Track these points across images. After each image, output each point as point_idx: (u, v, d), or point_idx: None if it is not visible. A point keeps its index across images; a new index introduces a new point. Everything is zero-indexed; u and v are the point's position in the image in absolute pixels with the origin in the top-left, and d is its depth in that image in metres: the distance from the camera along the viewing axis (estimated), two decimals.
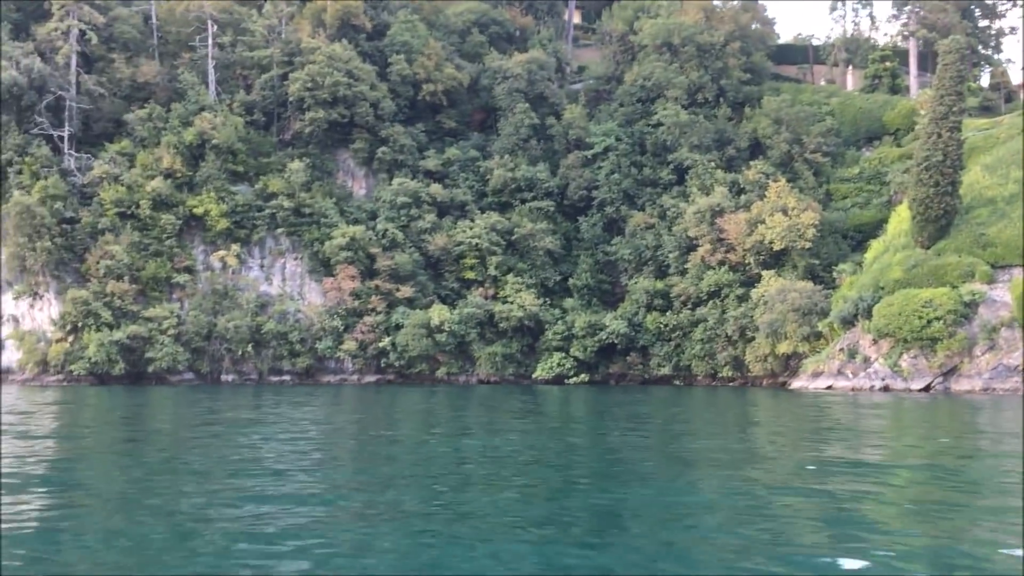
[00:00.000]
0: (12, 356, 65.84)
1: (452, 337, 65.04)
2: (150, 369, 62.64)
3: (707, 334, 62.19)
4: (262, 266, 68.44)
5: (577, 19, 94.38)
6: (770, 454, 18.88)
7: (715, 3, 79.51)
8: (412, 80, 73.28)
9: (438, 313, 65.00)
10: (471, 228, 68.17)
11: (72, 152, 67.17)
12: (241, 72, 73.44)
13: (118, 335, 61.32)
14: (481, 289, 67.82)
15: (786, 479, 14.52)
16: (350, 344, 65.37)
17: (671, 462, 17.30)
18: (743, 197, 64.35)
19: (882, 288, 52.46)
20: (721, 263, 62.82)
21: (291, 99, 69.75)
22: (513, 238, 68.25)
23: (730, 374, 61.96)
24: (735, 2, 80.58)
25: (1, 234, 66.31)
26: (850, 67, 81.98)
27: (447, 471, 15.43)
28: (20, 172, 65.23)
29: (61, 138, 67.12)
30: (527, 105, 71.89)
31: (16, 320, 66.36)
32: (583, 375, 65.86)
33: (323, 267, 67.29)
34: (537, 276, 68.26)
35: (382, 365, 66.74)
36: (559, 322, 66.61)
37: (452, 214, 70.36)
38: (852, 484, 13.62)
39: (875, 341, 51.63)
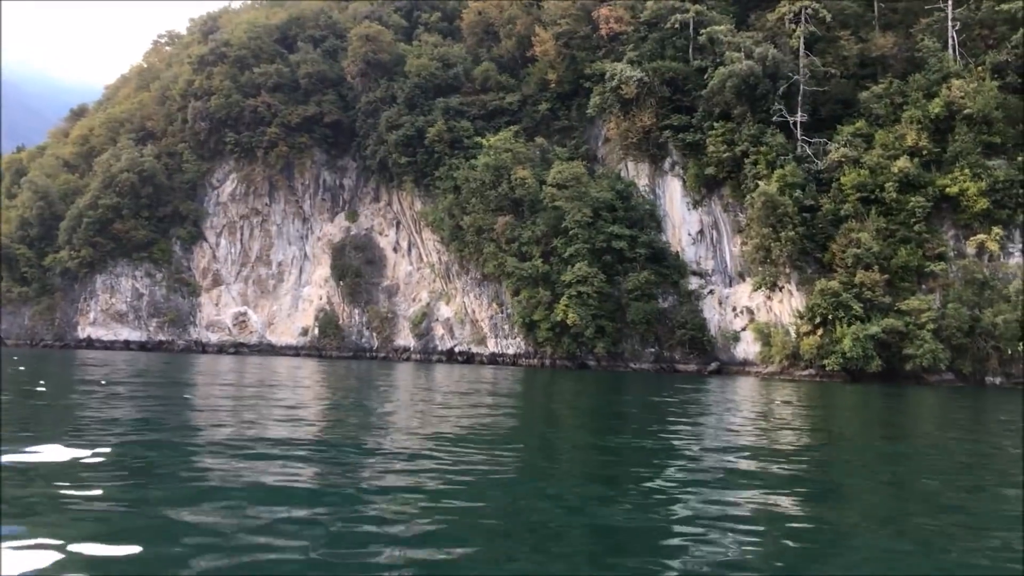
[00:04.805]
0: (749, 348, 65.49)
1: None
2: (907, 367, 56.83)
3: None
4: None
5: None
6: None
7: None
8: None
9: None
10: None
11: (805, 138, 64.57)
12: (980, 32, 64.24)
13: (872, 329, 56.56)
14: None
15: None
16: None
17: None
18: None
19: None
20: None
21: None
22: None
23: None
24: None
25: (731, 227, 66.42)
26: None
27: None
28: (756, 163, 64.40)
29: (793, 124, 64.97)
30: None
31: (751, 312, 65.91)
32: None
33: None
34: None
35: None
36: None
37: None
38: None
39: None
